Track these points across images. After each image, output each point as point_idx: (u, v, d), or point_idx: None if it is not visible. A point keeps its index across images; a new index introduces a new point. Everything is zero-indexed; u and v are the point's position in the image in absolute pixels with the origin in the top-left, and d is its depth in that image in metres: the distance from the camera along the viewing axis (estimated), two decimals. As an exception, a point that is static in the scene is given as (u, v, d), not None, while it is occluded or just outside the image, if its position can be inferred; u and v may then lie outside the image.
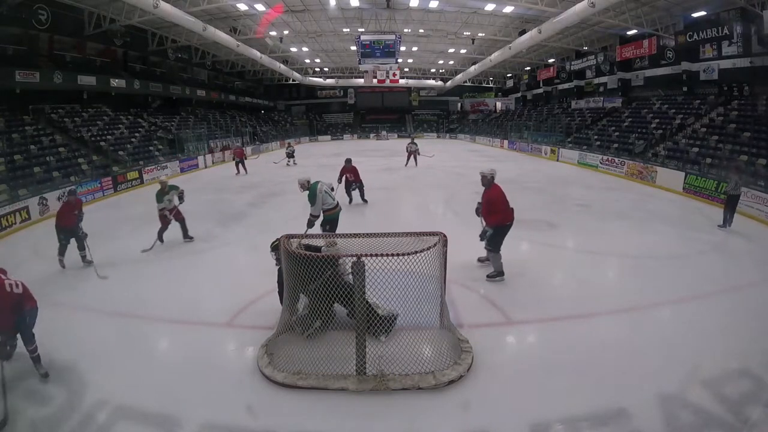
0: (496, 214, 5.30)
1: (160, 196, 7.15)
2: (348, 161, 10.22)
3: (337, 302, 3.97)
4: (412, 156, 17.22)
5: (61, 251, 6.27)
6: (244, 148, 19.52)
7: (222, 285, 5.56)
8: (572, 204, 10.29)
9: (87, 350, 4.00)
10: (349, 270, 3.93)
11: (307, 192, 6.02)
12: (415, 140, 19.07)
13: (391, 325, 4.08)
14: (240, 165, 16.62)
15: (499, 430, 3.04)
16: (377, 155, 23.28)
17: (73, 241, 6.28)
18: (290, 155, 19.14)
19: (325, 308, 3.95)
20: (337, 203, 6.29)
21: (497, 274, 5.49)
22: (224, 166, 19.88)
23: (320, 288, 3.82)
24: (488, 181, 5.48)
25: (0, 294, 3.41)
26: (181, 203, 7.33)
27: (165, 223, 7.20)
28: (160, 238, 7.21)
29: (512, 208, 5.40)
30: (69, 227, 6.23)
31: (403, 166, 16.99)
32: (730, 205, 8.04)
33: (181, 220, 7.37)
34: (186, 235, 7.45)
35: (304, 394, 3.40)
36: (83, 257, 6.33)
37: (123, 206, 11.22)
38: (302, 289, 3.98)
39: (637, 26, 17.44)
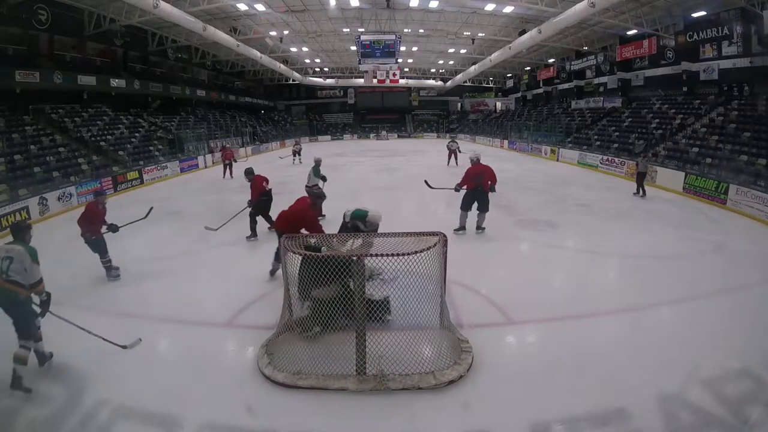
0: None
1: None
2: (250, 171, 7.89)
3: (341, 311, 3.92)
4: (452, 155, 17.12)
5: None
6: (233, 150, 17.70)
7: (222, 285, 5.55)
8: (572, 204, 10.28)
9: (87, 350, 3.99)
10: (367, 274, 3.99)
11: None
12: (456, 139, 19.53)
13: (389, 306, 4.28)
14: (228, 168, 15.50)
15: (499, 430, 3.04)
16: (377, 155, 23.28)
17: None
18: (296, 153, 19.48)
19: (329, 315, 3.88)
20: None
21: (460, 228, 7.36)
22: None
23: (332, 296, 3.78)
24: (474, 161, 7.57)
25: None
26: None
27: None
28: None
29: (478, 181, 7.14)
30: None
31: (404, 166, 16.99)
32: (640, 179, 11.03)
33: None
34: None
35: (304, 394, 3.39)
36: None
37: (123, 206, 11.13)
38: (306, 294, 3.97)
39: (637, 26, 17.43)
